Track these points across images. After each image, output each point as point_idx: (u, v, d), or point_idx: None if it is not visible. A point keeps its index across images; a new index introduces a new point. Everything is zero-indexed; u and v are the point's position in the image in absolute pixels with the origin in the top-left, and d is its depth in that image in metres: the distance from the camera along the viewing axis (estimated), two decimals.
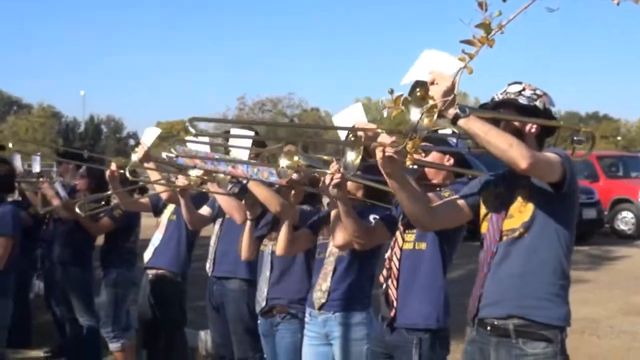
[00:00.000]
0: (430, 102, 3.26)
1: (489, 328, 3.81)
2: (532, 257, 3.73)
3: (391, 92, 3.31)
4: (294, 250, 5.31)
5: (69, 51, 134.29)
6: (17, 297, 9.13)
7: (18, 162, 9.05)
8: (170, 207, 7.12)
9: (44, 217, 9.20)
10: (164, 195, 6.69)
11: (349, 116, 4.41)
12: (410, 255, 4.46)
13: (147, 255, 7.15)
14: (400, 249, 4.49)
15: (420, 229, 4.16)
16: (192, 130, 3.83)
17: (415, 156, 3.36)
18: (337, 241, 4.82)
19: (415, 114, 3.33)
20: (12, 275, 6.23)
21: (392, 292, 4.45)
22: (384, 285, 4.51)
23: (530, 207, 3.75)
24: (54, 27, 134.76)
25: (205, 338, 8.72)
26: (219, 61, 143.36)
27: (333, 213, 4.73)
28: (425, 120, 3.28)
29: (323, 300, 5.05)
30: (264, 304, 5.66)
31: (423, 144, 3.47)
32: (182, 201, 6.28)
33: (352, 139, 3.96)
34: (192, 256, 7.21)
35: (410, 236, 4.49)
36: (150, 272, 7.19)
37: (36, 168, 8.87)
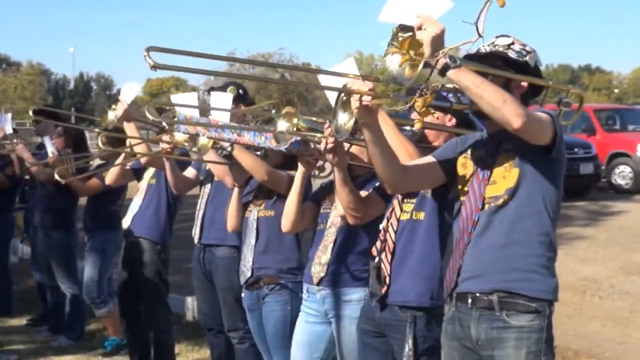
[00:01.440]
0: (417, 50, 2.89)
1: (469, 301, 3.48)
2: (516, 226, 3.41)
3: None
4: (302, 226, 4.89)
5: (58, 7, 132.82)
6: None
7: (7, 124, 8.61)
8: (150, 171, 6.67)
9: (21, 178, 8.82)
10: (143, 158, 6.24)
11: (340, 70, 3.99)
12: (407, 226, 4.06)
13: (126, 222, 6.72)
14: (398, 220, 4.09)
15: (389, 189, 3.74)
16: (149, 61, 3.42)
17: (427, 119, 3.00)
18: (341, 210, 4.43)
19: (394, 61, 2.95)
20: None
21: (385, 267, 4.06)
22: (376, 259, 4.12)
23: (516, 172, 3.43)
24: None
25: (192, 305, 8.39)
26: (209, 17, 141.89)
27: (336, 179, 4.36)
28: (408, 70, 2.90)
29: (322, 274, 4.66)
30: (249, 274, 5.28)
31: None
32: (166, 163, 5.88)
33: (344, 99, 3.56)
34: (174, 221, 6.78)
35: (409, 206, 4.09)
36: (129, 240, 6.76)
37: (8, 128, 8.42)
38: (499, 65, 3.48)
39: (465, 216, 3.52)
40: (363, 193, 4.42)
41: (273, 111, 4.17)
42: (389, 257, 4.05)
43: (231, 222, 5.35)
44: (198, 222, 6.00)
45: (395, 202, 4.13)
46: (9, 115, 8.64)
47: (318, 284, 4.68)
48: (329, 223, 4.73)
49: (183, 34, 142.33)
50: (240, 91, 5.99)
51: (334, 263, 4.65)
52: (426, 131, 4.08)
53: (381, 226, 4.17)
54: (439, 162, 3.67)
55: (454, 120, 4.11)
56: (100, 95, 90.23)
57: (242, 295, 5.42)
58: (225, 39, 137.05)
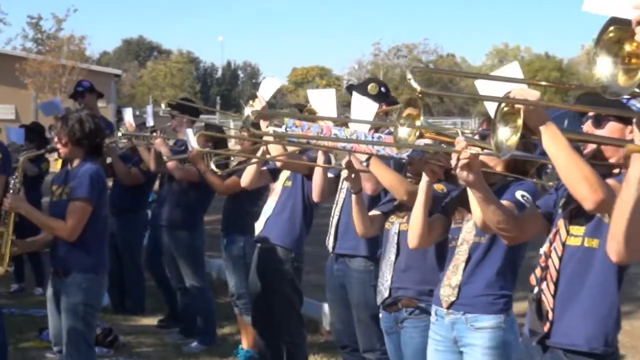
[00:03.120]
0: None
1: None
2: None
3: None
4: (430, 241, 4.33)
5: None
6: (129, 261, 8.67)
7: (129, 116, 8.37)
8: (286, 172, 6.20)
9: (156, 174, 8.56)
10: (279, 162, 5.75)
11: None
12: (576, 254, 3.36)
13: (259, 226, 6.27)
14: (563, 245, 3.40)
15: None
16: (414, 86, 2.94)
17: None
18: (478, 221, 3.80)
19: (604, 66, 2.36)
20: (100, 251, 5.44)
21: (547, 300, 3.39)
22: (536, 290, 3.46)
23: None
24: None
25: (329, 312, 7.90)
26: (354, 7, 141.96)
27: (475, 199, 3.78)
28: (622, 78, 2.31)
29: (452, 298, 4.12)
30: (386, 294, 4.75)
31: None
32: (318, 171, 5.39)
33: (505, 109, 3.04)
34: (310, 227, 6.29)
35: (578, 229, 3.37)
36: (261, 247, 6.30)
37: (149, 122, 8.15)
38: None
39: None
40: (505, 204, 3.80)
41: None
42: (552, 288, 3.39)
43: (358, 228, 4.82)
44: (332, 230, 5.51)
45: (560, 222, 3.44)
46: (150, 110, 8.35)
47: (448, 307, 4.14)
48: (460, 240, 4.17)
49: (327, 24, 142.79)
50: (382, 89, 5.46)
51: (466, 285, 4.10)
52: (602, 146, 3.41)
53: (542, 250, 3.48)
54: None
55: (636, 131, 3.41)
56: (246, 84, 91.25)
57: (380, 315, 4.92)
58: (371, 30, 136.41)
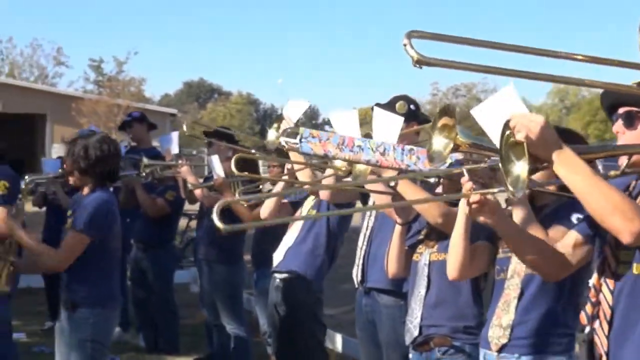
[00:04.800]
0: None
1: None
2: None
3: None
4: (473, 272, 3.86)
5: (268, 41, 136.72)
6: (159, 297, 8.35)
7: (169, 144, 8.05)
8: (310, 200, 5.83)
9: (182, 203, 8.27)
10: (324, 194, 5.38)
11: (500, 104, 3.00)
12: (627, 283, 2.83)
13: (278, 256, 5.89)
14: (613, 274, 2.87)
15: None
16: (412, 53, 2.51)
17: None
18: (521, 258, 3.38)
19: None
20: (109, 285, 5.13)
21: (601, 340, 2.87)
22: (587, 329, 2.97)
23: None
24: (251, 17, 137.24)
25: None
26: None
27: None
28: None
29: (504, 341, 3.63)
30: (416, 332, 4.30)
31: None
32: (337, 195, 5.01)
33: (511, 139, 2.61)
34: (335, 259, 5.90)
35: (628, 254, 2.83)
36: (279, 277, 5.90)
37: (175, 149, 7.84)
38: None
39: None
40: (560, 230, 3.37)
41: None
42: (606, 327, 2.87)
43: (392, 266, 4.41)
44: (360, 261, 5.11)
45: (606, 249, 2.92)
46: (176, 134, 8.08)
47: (498, 351, 3.65)
48: (510, 271, 3.69)
49: (386, 65, 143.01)
50: (412, 107, 5.07)
51: (520, 325, 3.61)
52: None
53: (590, 282, 2.97)
54: None
55: None
56: (305, 125, 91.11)
57: (410, 356, 4.48)
58: (427, 71, 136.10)
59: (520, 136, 2.55)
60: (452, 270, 3.74)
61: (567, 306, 3.62)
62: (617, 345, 2.84)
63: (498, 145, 2.63)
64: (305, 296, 5.75)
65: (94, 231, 5.05)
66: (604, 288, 2.89)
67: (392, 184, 4.07)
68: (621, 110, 2.92)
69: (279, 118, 5.31)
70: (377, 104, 4.94)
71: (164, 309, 8.47)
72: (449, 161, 3.35)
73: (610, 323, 2.86)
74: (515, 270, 3.65)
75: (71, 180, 5.27)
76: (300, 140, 3.69)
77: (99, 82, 41.65)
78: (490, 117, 2.92)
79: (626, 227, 2.54)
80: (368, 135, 4.34)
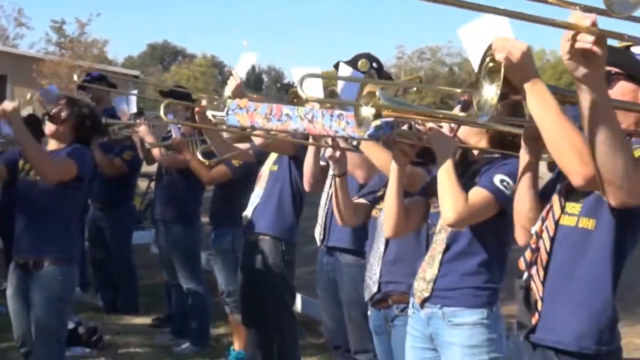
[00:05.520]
0: None
1: None
2: None
3: None
4: (408, 227, 3.82)
5: (233, 0, 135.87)
6: (118, 257, 8.27)
7: (124, 106, 7.90)
8: (273, 156, 5.71)
9: (140, 163, 8.20)
10: (258, 142, 5.28)
11: (483, 31, 2.92)
12: (570, 235, 2.83)
13: (246, 215, 5.77)
14: (556, 224, 2.87)
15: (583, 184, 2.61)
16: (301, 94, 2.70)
17: None
18: (446, 216, 3.39)
19: None
20: (77, 240, 5.05)
21: (537, 288, 2.88)
22: (525, 275, 2.93)
23: None
24: None
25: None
26: (379, 11, 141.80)
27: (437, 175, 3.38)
28: None
29: (426, 294, 3.60)
30: (375, 289, 4.27)
31: None
32: (309, 157, 4.93)
33: (491, 64, 2.58)
34: (300, 215, 5.78)
35: (575, 207, 2.85)
36: (249, 238, 5.78)
37: (132, 108, 7.71)
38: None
39: None
40: (478, 192, 3.40)
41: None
42: (542, 274, 2.88)
43: (340, 214, 4.33)
44: (322, 221, 5.04)
45: (554, 197, 2.92)
46: (134, 97, 7.93)
47: (421, 304, 3.64)
48: (438, 226, 3.66)
49: (350, 29, 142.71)
50: (374, 64, 5.00)
51: (443, 277, 3.59)
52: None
53: (533, 229, 2.95)
54: None
55: None
56: (270, 88, 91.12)
57: (369, 313, 4.46)
58: (394, 33, 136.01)
59: (500, 57, 2.51)
60: (388, 229, 3.77)
61: (492, 261, 3.59)
62: (551, 294, 2.86)
63: (477, 68, 2.60)
64: (274, 258, 5.64)
65: (82, 167, 5.05)
66: (545, 235, 2.90)
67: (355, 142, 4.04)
68: None
69: (229, 74, 5.22)
70: (340, 62, 4.87)
71: (122, 269, 8.40)
72: (375, 124, 3.28)
73: (546, 270, 2.88)
74: (443, 225, 3.61)
75: (52, 128, 5.20)
76: (227, 112, 3.63)
77: (61, 43, 40.93)
78: (474, 39, 2.90)
79: (580, 169, 2.54)
80: (333, 93, 4.27)
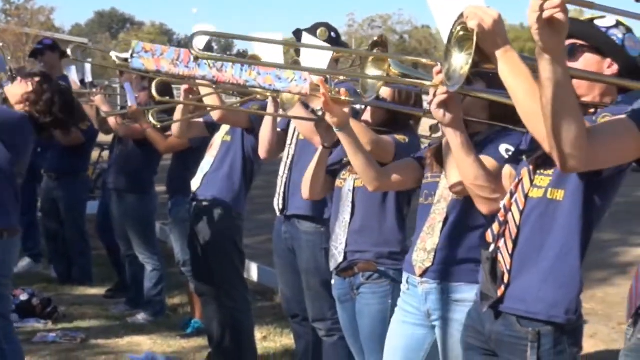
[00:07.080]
0: None
1: None
2: None
3: None
4: (393, 184, 3.88)
5: None
6: (72, 227, 8.19)
7: (73, 75, 7.81)
8: (225, 126, 5.67)
9: (96, 133, 8.06)
10: (215, 115, 5.25)
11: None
12: (538, 207, 2.88)
13: (195, 183, 5.73)
14: (525, 197, 2.90)
15: (575, 164, 2.52)
16: (193, 52, 2.82)
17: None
18: (451, 181, 3.36)
19: None
20: (17, 210, 4.84)
21: (504, 259, 2.90)
22: (492, 247, 2.96)
23: None
24: None
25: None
26: None
27: (445, 141, 3.30)
28: None
29: (428, 264, 3.57)
30: (341, 258, 4.24)
31: None
32: (267, 123, 4.89)
33: (462, 33, 2.59)
34: (251, 186, 5.79)
35: (544, 179, 2.88)
36: (198, 204, 5.73)
37: (88, 77, 7.60)
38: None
39: None
40: (487, 160, 3.31)
41: None
42: (510, 247, 2.91)
43: (305, 188, 4.28)
44: (281, 190, 5.01)
45: (524, 171, 2.95)
46: (88, 65, 7.82)
47: (421, 275, 3.61)
48: (437, 196, 3.63)
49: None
50: (332, 34, 5.01)
51: (443, 249, 3.56)
52: (575, 82, 2.87)
53: (502, 203, 2.98)
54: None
55: (615, 67, 2.91)
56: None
57: (332, 282, 4.44)
58: (343, 2, 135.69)
59: (472, 24, 2.51)
60: (369, 182, 3.82)
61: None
62: (519, 265, 2.90)
63: (446, 37, 2.60)
64: (224, 223, 5.62)
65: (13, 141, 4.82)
66: (514, 208, 2.92)
67: (318, 109, 3.99)
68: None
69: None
70: (299, 30, 4.84)
71: (76, 239, 8.29)
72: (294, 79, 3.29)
73: (515, 242, 2.90)
74: (442, 195, 3.60)
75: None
76: (131, 55, 3.40)
77: (6, 10, 40.37)
78: (444, 7, 2.83)
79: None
80: (297, 62, 4.20)
